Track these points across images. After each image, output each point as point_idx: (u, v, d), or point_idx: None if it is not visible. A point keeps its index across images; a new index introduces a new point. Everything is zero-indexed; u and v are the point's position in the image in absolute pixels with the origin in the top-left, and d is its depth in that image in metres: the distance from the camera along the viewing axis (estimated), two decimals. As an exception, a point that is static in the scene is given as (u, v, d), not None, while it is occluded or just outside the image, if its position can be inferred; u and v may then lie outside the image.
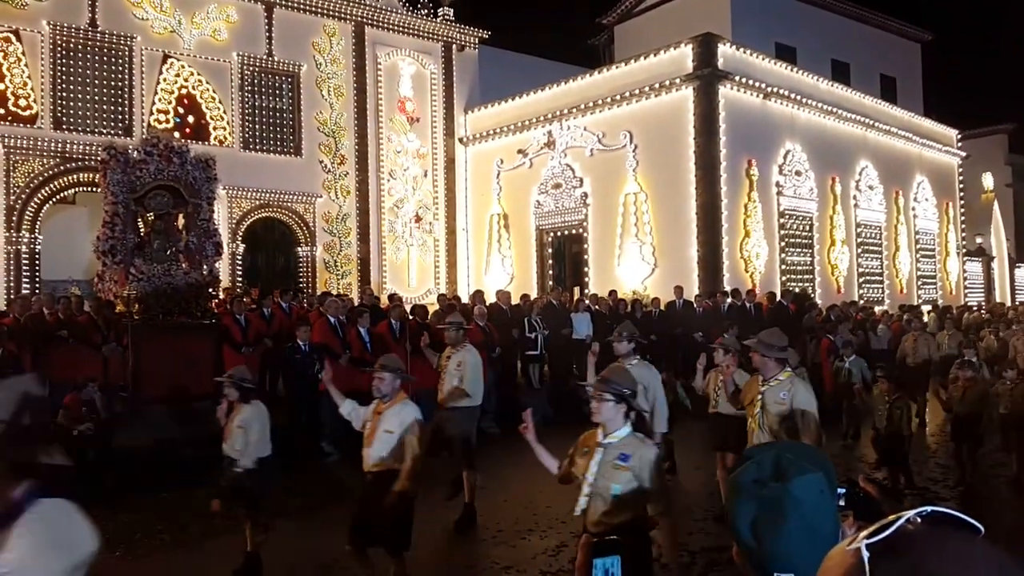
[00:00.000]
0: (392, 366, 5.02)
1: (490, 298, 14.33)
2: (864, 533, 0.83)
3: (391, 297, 13.71)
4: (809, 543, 1.18)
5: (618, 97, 16.52)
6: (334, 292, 15.30)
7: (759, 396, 4.89)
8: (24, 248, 14.34)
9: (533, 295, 15.80)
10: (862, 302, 18.06)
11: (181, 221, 10.55)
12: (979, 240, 27.18)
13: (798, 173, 17.32)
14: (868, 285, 19.51)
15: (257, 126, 17.02)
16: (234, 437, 5.66)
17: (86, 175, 14.60)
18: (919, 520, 0.83)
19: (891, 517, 0.84)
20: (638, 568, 3.51)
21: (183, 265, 10.18)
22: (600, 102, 16.82)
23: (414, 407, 4.96)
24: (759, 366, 4.96)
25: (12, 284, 14.08)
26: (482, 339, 11.20)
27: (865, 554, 0.81)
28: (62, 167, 14.63)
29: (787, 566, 1.19)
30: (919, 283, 21.63)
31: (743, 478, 1.25)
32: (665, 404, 6.22)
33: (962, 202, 24.54)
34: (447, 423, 6.95)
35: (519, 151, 18.44)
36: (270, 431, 5.74)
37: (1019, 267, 29.39)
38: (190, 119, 16.09)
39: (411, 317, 11.31)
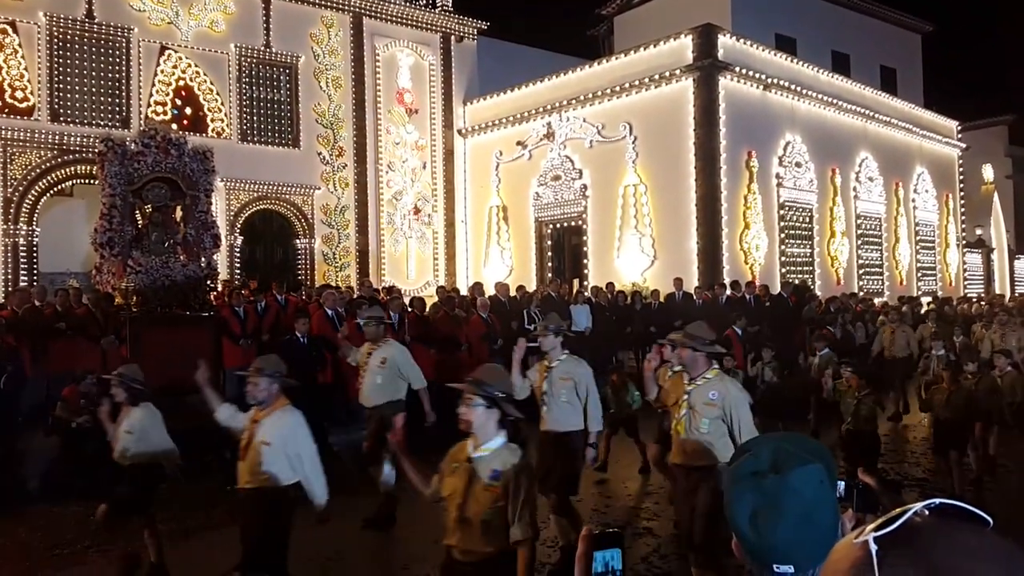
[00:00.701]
0: (269, 368, 4.34)
1: (489, 290, 14.32)
2: (872, 526, 0.82)
3: (390, 289, 13.70)
4: (808, 535, 1.17)
5: (617, 88, 16.46)
6: (333, 284, 15.28)
7: (685, 396, 4.47)
8: (22, 240, 14.31)
9: (532, 287, 15.81)
10: (862, 294, 18.06)
11: (179, 213, 10.51)
12: (979, 232, 27.17)
13: (798, 164, 17.29)
14: (868, 277, 19.51)
15: (255, 118, 16.97)
16: (122, 443, 5.13)
17: (83, 167, 14.56)
18: (927, 512, 0.82)
19: (899, 510, 0.83)
20: None
21: (181, 257, 10.15)
22: (599, 93, 16.76)
23: (297, 415, 4.35)
24: (687, 362, 4.51)
25: (10, 277, 14.07)
26: (485, 331, 11.20)
27: (873, 547, 0.79)
28: (59, 159, 14.59)
29: (786, 558, 1.18)
30: (919, 275, 21.63)
31: (741, 470, 1.24)
32: (599, 401, 5.65)
33: (962, 194, 24.53)
34: (375, 419, 6.63)
35: (518, 143, 18.39)
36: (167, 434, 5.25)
37: (1019, 259, 29.39)
38: (188, 111, 16.04)
39: (410, 309, 11.30)
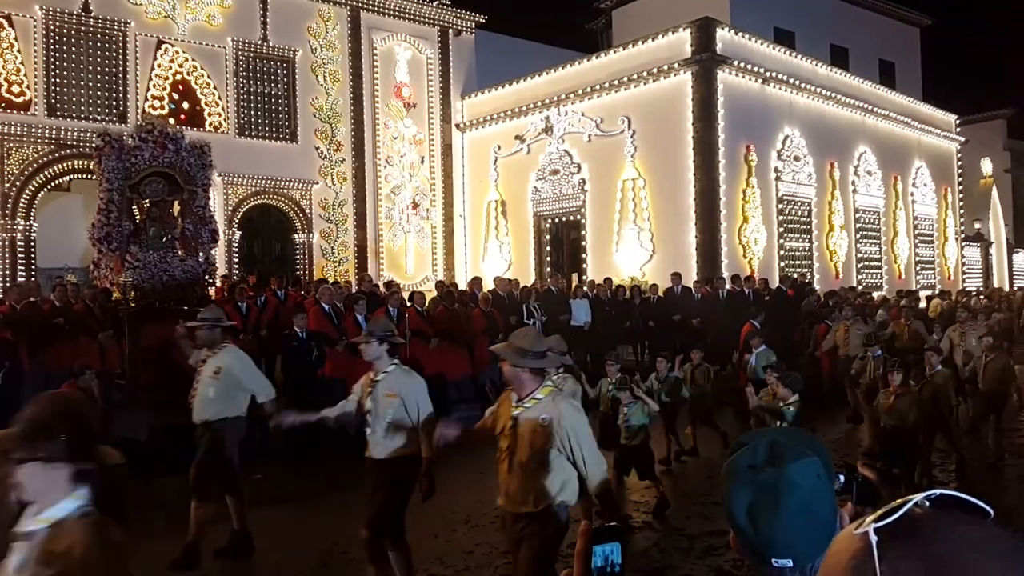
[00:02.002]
0: None
1: (488, 285, 14.32)
2: (872, 517, 0.81)
3: (388, 284, 13.68)
4: (807, 528, 1.17)
5: (616, 82, 16.43)
6: (331, 279, 15.26)
7: (511, 423, 3.61)
8: (19, 236, 14.28)
9: (531, 282, 15.79)
10: (860, 287, 18.06)
11: (176, 208, 10.52)
12: (977, 225, 27.19)
13: (797, 158, 17.27)
14: (866, 271, 19.51)
15: (252, 112, 16.93)
16: None
17: (81, 162, 14.54)
18: (927, 504, 0.81)
19: (899, 501, 0.82)
20: None
21: (179, 252, 10.17)
22: (598, 87, 16.73)
23: None
24: (510, 379, 3.65)
25: (8, 272, 14.04)
26: (486, 325, 11.21)
27: (873, 538, 0.79)
28: (56, 154, 14.56)
29: (785, 552, 1.17)
30: (917, 268, 21.64)
31: (738, 463, 1.24)
32: (433, 422, 4.46)
33: (961, 187, 24.52)
34: (206, 439, 5.66)
35: (517, 137, 18.35)
36: None
37: (1017, 252, 29.43)
38: (185, 105, 15.99)
39: (409, 304, 11.29)
